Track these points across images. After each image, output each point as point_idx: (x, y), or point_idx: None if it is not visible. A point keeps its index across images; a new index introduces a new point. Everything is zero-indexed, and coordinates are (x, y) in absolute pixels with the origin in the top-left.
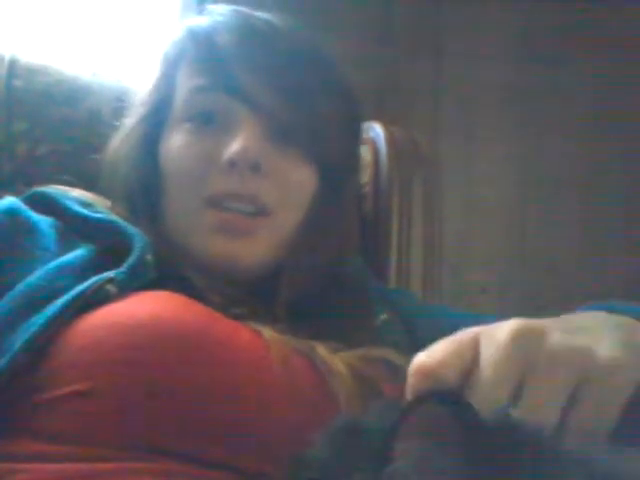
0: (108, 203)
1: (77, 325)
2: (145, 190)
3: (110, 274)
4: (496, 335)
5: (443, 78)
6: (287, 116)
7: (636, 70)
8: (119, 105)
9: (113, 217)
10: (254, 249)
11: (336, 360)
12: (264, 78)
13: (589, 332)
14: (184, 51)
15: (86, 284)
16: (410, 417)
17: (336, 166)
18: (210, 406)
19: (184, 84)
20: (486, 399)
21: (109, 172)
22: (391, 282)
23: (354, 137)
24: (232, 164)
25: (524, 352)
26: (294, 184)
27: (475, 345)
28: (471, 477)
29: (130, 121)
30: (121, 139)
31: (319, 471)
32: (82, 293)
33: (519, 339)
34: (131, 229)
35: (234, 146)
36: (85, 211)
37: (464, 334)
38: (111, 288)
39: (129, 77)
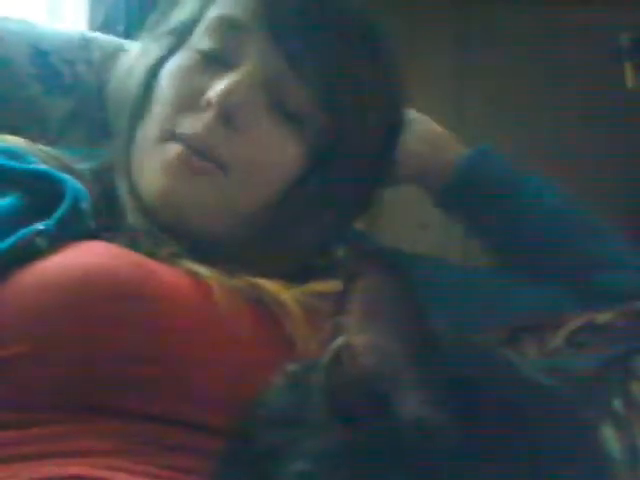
0: (43, 148)
1: (8, 286)
2: (133, 116)
3: (39, 226)
4: None
5: None
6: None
7: None
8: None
9: (43, 166)
10: (199, 198)
11: (286, 297)
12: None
13: None
14: None
15: (12, 239)
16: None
17: (342, 166)
18: (150, 360)
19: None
20: None
21: (114, 91)
22: None
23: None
24: (208, 103)
25: None
26: (270, 153)
27: None
28: None
29: (146, 42)
30: (135, 57)
31: (276, 413)
32: (10, 248)
33: None
34: (63, 176)
35: (218, 86)
36: (12, 163)
37: None
38: (40, 242)
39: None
